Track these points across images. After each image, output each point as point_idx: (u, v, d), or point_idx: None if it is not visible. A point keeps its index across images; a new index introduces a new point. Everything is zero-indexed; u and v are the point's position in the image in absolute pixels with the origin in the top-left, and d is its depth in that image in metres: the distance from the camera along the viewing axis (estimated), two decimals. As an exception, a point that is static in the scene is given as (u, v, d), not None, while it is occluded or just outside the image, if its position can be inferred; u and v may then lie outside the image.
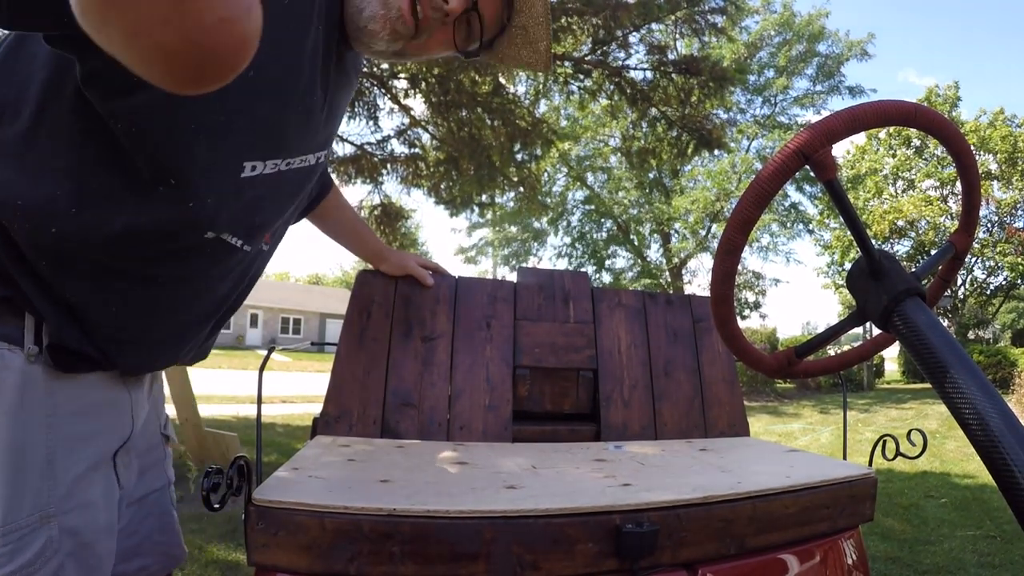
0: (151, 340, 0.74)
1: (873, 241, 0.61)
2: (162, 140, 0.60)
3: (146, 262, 0.67)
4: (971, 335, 19.40)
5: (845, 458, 1.18)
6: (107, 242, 0.62)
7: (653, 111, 4.94)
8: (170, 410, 1.30)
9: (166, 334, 0.75)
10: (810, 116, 17.39)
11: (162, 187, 0.62)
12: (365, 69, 5.17)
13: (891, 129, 16.07)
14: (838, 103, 17.90)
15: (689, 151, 5.14)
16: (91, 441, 0.72)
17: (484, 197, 5.77)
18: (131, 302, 0.67)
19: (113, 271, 0.65)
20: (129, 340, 0.71)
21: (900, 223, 16.97)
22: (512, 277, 1.45)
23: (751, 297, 17.38)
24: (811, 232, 17.30)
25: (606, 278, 16.95)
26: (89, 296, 0.64)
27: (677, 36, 5.08)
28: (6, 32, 0.62)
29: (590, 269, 16.62)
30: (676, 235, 17.04)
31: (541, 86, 5.39)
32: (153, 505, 0.91)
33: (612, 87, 4.84)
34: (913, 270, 0.63)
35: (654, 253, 17.67)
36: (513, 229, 16.23)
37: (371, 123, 5.29)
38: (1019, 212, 16.73)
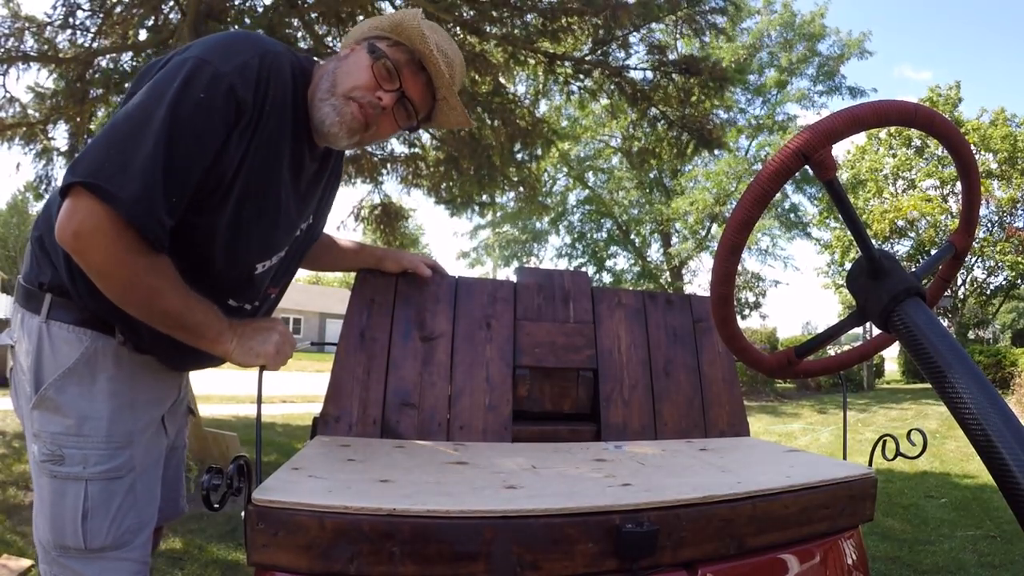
0: (189, 354, 0.99)
1: (873, 241, 0.61)
2: (216, 248, 0.95)
3: None
4: (971, 335, 19.37)
5: (845, 458, 1.18)
6: None
7: (653, 111, 4.93)
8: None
9: (199, 354, 0.99)
10: (810, 116, 17.39)
11: (207, 280, 0.96)
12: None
13: (891, 129, 16.05)
14: (838, 103, 17.91)
15: (689, 151, 5.13)
16: (154, 401, 1.05)
17: (484, 197, 5.76)
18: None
19: None
20: (175, 353, 1.00)
21: (900, 223, 16.95)
22: (512, 277, 1.45)
23: (751, 297, 17.37)
24: (808, 235, 17.26)
25: (606, 278, 16.92)
26: (149, 329, 0.94)
27: (677, 36, 5.08)
28: None
29: (590, 269, 16.60)
30: (676, 235, 17.04)
31: (541, 86, 5.39)
32: (174, 460, 1.19)
33: (612, 87, 4.82)
34: (913, 270, 0.63)
35: (655, 253, 17.67)
36: (514, 231, 16.20)
37: (371, 123, 5.28)
38: (1019, 211, 16.72)
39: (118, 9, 4.25)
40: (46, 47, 4.21)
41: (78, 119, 4.45)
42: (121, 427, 0.97)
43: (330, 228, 1.38)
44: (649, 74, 4.82)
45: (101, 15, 4.24)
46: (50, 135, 4.75)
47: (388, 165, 5.48)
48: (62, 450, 0.93)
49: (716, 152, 5.82)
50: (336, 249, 1.35)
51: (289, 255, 1.11)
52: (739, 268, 0.72)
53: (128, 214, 0.79)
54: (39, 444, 0.95)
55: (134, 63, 4.36)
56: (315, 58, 1.07)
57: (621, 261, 17.60)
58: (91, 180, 0.78)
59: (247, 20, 4.11)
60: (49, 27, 4.16)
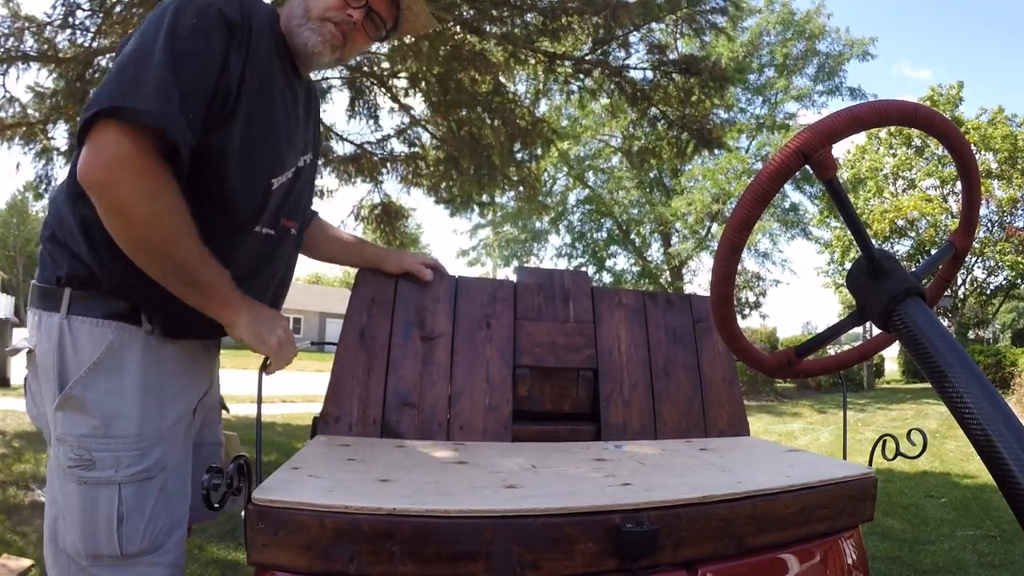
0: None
1: (873, 241, 0.61)
2: (232, 166, 0.94)
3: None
4: (971, 335, 19.36)
5: (845, 458, 1.18)
6: None
7: (653, 111, 4.93)
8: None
9: None
10: (810, 115, 17.39)
11: (230, 208, 0.96)
12: (365, 69, 5.16)
13: (891, 128, 16.04)
14: (838, 104, 17.90)
15: (689, 150, 5.13)
16: (185, 392, 1.02)
17: (484, 197, 5.76)
18: None
19: None
20: (207, 320, 0.96)
21: (900, 223, 16.94)
22: (512, 277, 1.45)
23: (751, 297, 17.37)
24: (807, 236, 17.24)
25: (606, 278, 16.93)
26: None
27: (677, 36, 5.08)
28: None
29: (590, 269, 16.60)
30: (676, 235, 17.04)
31: (541, 86, 5.38)
32: (206, 458, 1.15)
33: (612, 87, 4.82)
34: (913, 270, 0.63)
35: (655, 253, 17.67)
36: (513, 230, 16.20)
37: (371, 122, 5.29)
38: (1019, 211, 16.70)
39: (118, 9, 4.25)
40: (46, 47, 4.21)
41: (78, 119, 4.45)
42: (151, 424, 0.94)
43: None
44: (649, 74, 4.82)
45: (101, 15, 4.24)
46: (50, 135, 4.75)
47: (388, 165, 5.48)
48: (91, 454, 0.90)
49: (716, 151, 5.82)
50: (338, 242, 1.36)
51: (299, 186, 1.12)
52: (739, 268, 0.72)
53: (156, 122, 0.80)
54: (64, 448, 0.91)
55: (134, 63, 4.35)
56: None
57: (621, 261, 17.62)
58: (112, 104, 0.79)
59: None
60: (49, 27, 4.16)
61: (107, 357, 0.92)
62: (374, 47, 5.11)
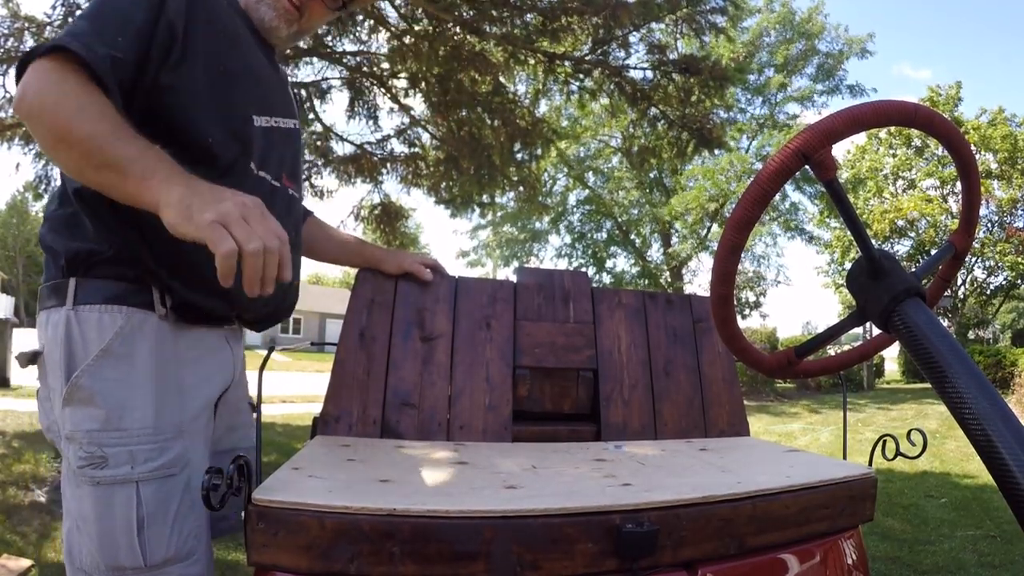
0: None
1: (873, 241, 0.61)
2: (202, 104, 0.89)
3: None
4: (971, 335, 19.38)
5: (845, 458, 1.17)
6: None
7: (653, 111, 4.93)
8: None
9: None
10: (810, 115, 17.41)
11: (200, 145, 0.88)
12: (365, 69, 5.17)
13: (892, 129, 16.03)
14: (838, 103, 17.92)
15: (689, 150, 5.13)
16: (204, 383, 0.96)
17: (484, 197, 5.76)
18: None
19: None
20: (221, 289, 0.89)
21: (900, 223, 16.95)
22: (512, 277, 1.45)
23: (751, 297, 17.37)
24: (809, 239, 17.23)
25: (606, 279, 16.93)
26: (188, 254, 0.82)
27: (677, 36, 5.08)
28: None
29: (590, 270, 16.60)
30: (676, 235, 17.05)
31: (541, 86, 5.38)
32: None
33: (612, 87, 4.82)
34: (913, 270, 0.63)
35: (655, 253, 17.68)
36: (513, 230, 16.21)
37: (371, 122, 5.29)
38: (1019, 211, 16.71)
39: (118, 9, 4.25)
40: (46, 47, 4.21)
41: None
42: (169, 416, 0.87)
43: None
44: (649, 74, 4.82)
45: (101, 15, 4.24)
46: (50, 135, 4.74)
47: (388, 165, 5.49)
48: (103, 450, 0.81)
49: (716, 151, 5.83)
50: (338, 242, 1.35)
51: (292, 150, 1.09)
52: (739, 268, 0.72)
53: (58, 44, 0.76)
54: (74, 447, 0.82)
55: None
56: None
57: (621, 261, 17.63)
58: (32, 50, 0.77)
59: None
60: (49, 27, 4.16)
61: (116, 343, 0.85)
62: (374, 47, 5.11)
